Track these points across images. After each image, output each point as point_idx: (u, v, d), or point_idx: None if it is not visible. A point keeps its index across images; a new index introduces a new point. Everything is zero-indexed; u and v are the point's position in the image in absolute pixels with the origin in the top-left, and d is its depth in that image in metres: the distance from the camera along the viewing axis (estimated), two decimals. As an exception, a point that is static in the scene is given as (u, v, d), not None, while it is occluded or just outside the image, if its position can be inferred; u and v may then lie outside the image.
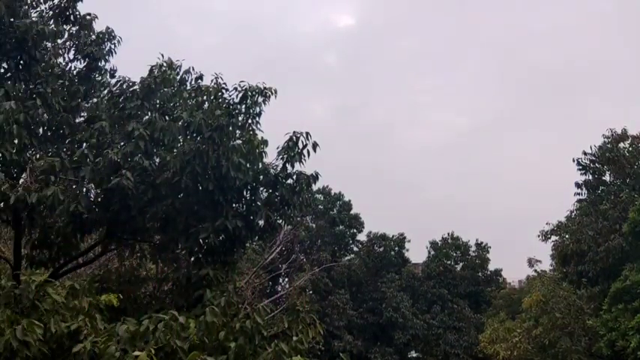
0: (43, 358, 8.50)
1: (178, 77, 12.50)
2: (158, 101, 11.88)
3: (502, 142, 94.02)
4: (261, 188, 11.43)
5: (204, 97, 11.72)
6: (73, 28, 12.89)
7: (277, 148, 11.36)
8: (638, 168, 31.12)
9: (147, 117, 11.47)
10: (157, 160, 11.06)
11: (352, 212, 48.52)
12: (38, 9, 12.71)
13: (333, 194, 48.59)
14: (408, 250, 48.18)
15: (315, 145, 11.25)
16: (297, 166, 11.35)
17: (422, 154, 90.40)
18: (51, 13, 12.71)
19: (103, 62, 12.90)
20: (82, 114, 12.45)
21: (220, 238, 10.72)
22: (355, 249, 49.18)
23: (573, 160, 31.81)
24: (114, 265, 14.02)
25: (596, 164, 31.93)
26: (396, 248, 47.52)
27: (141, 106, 11.41)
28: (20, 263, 11.64)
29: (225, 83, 11.81)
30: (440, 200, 79.51)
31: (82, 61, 12.77)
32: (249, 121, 11.78)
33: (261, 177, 11.32)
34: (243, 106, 11.71)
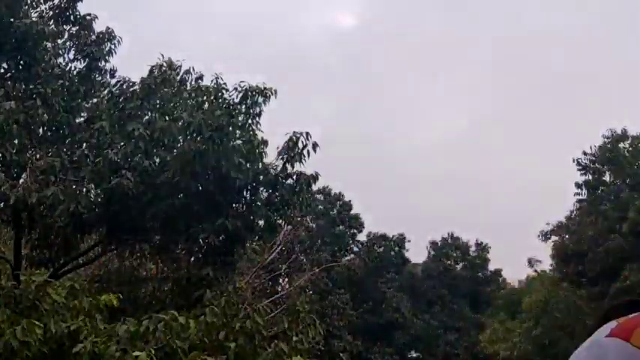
0: (43, 358, 8.51)
1: (178, 77, 12.49)
2: (158, 101, 11.88)
3: (503, 142, 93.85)
4: (261, 188, 11.43)
5: (204, 98, 11.73)
6: (73, 28, 12.87)
7: (277, 148, 11.37)
8: (638, 168, 31.14)
9: (147, 117, 11.47)
10: (157, 160, 11.06)
11: (352, 212, 48.56)
12: (38, 9, 12.71)
13: (333, 194, 48.62)
14: (408, 250, 48.23)
15: (315, 146, 11.26)
16: (297, 167, 11.36)
17: (422, 154, 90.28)
18: (51, 13, 12.69)
19: (103, 62, 12.88)
20: (82, 114, 12.45)
21: (220, 238, 10.72)
22: (355, 249, 49.22)
23: (573, 160, 31.85)
24: (114, 265, 14.01)
25: (596, 164, 31.94)
26: (396, 248, 47.55)
27: (141, 107, 11.41)
28: (20, 263, 11.64)
29: (225, 83, 11.83)
30: (440, 200, 79.38)
31: (82, 61, 12.75)
32: (249, 121, 11.79)
33: (261, 177, 11.33)
34: (244, 107, 11.72)
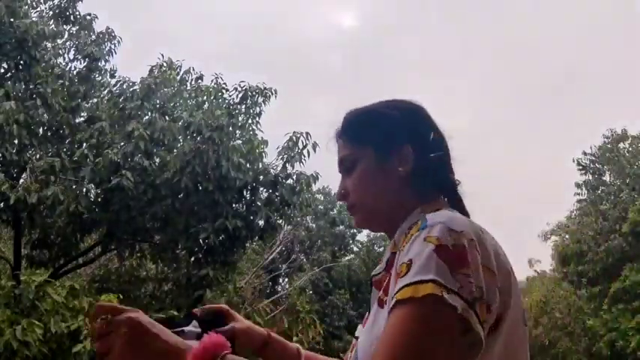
0: (43, 358, 8.51)
1: (178, 77, 12.50)
2: (158, 101, 11.88)
3: (503, 142, 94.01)
4: (261, 188, 11.43)
5: (204, 98, 11.74)
6: (73, 28, 12.87)
7: (277, 148, 11.38)
8: (638, 168, 31.13)
9: (147, 117, 11.48)
10: (157, 160, 11.07)
11: (352, 212, 48.52)
12: (38, 9, 12.71)
13: (333, 195, 48.60)
14: (408, 250, 48.14)
15: (315, 146, 11.26)
16: (297, 167, 11.36)
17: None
18: (51, 13, 12.69)
19: (103, 62, 12.87)
20: (82, 114, 12.44)
21: (220, 238, 10.72)
22: (355, 249, 49.16)
23: (573, 160, 31.80)
24: (114, 265, 14.02)
25: (596, 164, 31.93)
26: (396, 248, 47.51)
27: (141, 106, 11.41)
28: (20, 263, 11.64)
29: (225, 83, 11.84)
30: (440, 200, 79.23)
31: (82, 61, 12.73)
32: (249, 121, 11.80)
33: (261, 177, 11.32)
34: (243, 107, 11.73)
